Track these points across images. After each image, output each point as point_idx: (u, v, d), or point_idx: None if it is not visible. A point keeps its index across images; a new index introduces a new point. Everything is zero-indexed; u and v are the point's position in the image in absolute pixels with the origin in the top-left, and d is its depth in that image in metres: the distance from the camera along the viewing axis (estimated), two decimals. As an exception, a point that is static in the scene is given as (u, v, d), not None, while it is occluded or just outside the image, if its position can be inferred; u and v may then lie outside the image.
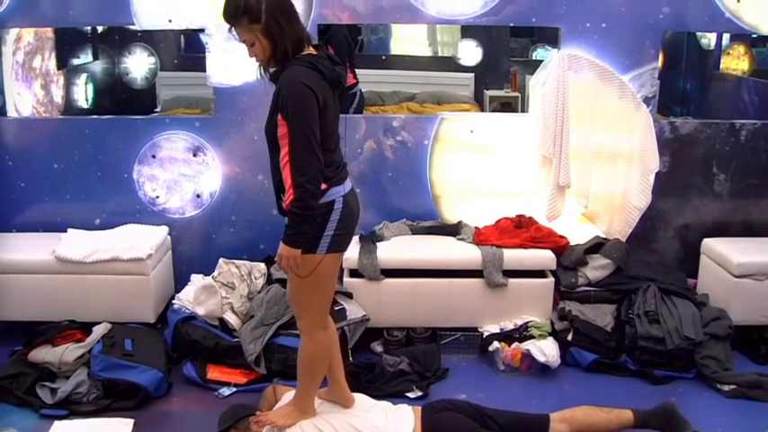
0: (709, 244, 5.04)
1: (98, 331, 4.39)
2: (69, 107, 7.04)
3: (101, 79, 8.03)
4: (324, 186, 3.27)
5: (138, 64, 8.38)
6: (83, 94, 7.49)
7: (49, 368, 4.23)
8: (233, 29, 3.19)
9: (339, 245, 3.41)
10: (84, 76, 7.52)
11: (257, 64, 3.31)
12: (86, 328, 4.47)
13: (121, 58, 8.33)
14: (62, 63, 6.85)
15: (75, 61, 7.40)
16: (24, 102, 5.94)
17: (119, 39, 8.28)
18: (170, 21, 4.91)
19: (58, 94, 6.76)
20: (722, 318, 4.57)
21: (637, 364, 4.49)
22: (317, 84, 3.16)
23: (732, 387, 4.31)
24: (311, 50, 3.28)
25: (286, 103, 3.12)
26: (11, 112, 5.54)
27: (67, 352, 4.24)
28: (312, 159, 3.14)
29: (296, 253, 3.23)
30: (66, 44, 7.07)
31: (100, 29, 7.88)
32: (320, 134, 3.19)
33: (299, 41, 3.19)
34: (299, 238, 3.22)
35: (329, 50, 3.39)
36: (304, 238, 3.24)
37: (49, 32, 6.47)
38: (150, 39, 8.28)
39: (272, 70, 3.29)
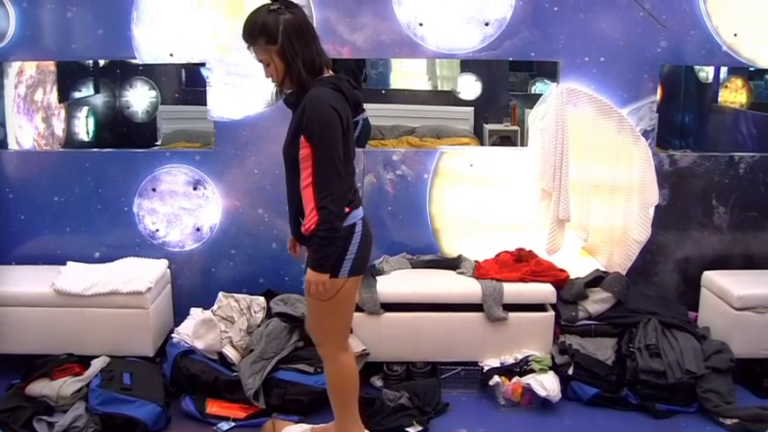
0: (710, 277, 5.03)
1: (96, 365, 4.37)
2: (70, 140, 7.06)
3: (102, 112, 8.07)
4: (347, 210, 3.31)
5: (139, 97, 8.42)
6: (84, 127, 7.52)
7: (47, 402, 4.20)
8: (251, 48, 3.25)
9: (359, 268, 3.44)
10: (85, 110, 7.56)
11: (273, 85, 3.35)
12: (85, 361, 4.45)
13: (123, 91, 8.37)
14: (64, 96, 6.88)
15: (77, 94, 7.44)
16: (25, 134, 5.97)
17: (120, 72, 8.32)
18: (171, 55, 4.95)
19: (59, 127, 6.79)
20: (723, 351, 4.55)
21: (638, 398, 4.46)
22: (340, 105, 3.20)
23: (734, 421, 4.27)
24: (331, 74, 3.33)
25: (311, 124, 3.14)
26: (12, 145, 5.56)
27: (65, 386, 4.22)
28: (336, 181, 3.16)
29: (324, 278, 3.25)
30: (68, 77, 7.11)
31: (101, 63, 7.93)
32: (345, 156, 3.24)
33: (313, 65, 3.24)
34: (326, 261, 3.24)
35: (344, 75, 3.41)
36: (330, 261, 3.25)
37: (51, 66, 6.50)
38: (151, 72, 8.33)
39: (287, 91, 3.33)
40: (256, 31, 3.18)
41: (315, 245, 3.22)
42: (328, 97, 3.18)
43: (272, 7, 3.20)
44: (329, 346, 3.54)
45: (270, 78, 3.32)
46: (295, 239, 3.58)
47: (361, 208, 3.45)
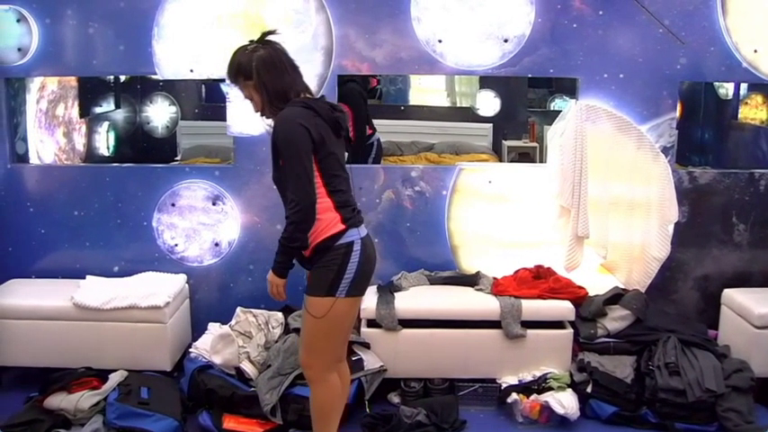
0: (730, 294, 4.98)
1: (114, 379, 4.40)
2: (91, 155, 7.12)
3: (122, 128, 8.13)
4: (342, 227, 3.38)
5: (160, 113, 8.48)
6: (104, 142, 7.58)
7: (65, 415, 4.23)
8: (236, 87, 3.49)
9: (357, 289, 3.45)
10: (105, 125, 7.62)
11: (260, 117, 3.55)
12: (103, 375, 4.47)
13: (143, 106, 8.43)
14: (85, 111, 6.94)
15: (98, 110, 7.50)
16: (47, 149, 6.01)
17: (141, 88, 8.40)
18: (191, 71, 4.98)
19: (80, 142, 6.84)
20: (744, 369, 4.51)
21: (657, 417, 4.42)
22: (309, 120, 3.31)
23: (755, 441, 4.24)
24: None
25: (279, 141, 3.31)
26: (33, 159, 5.60)
27: (83, 399, 4.24)
28: (301, 192, 3.27)
29: (279, 281, 3.44)
30: (89, 93, 7.18)
31: (122, 78, 7.99)
32: (327, 172, 3.36)
33: (285, 94, 3.39)
34: (283, 266, 3.42)
35: (326, 100, 3.58)
36: (288, 268, 3.43)
37: (72, 81, 6.57)
38: (172, 88, 8.39)
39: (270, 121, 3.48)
40: (234, 72, 3.42)
41: (278, 248, 3.40)
42: (293, 114, 3.32)
43: (248, 48, 3.42)
44: (319, 368, 3.54)
45: (258, 113, 3.51)
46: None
47: (360, 228, 3.47)
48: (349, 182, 3.52)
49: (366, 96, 6.51)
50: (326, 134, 3.36)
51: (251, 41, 3.46)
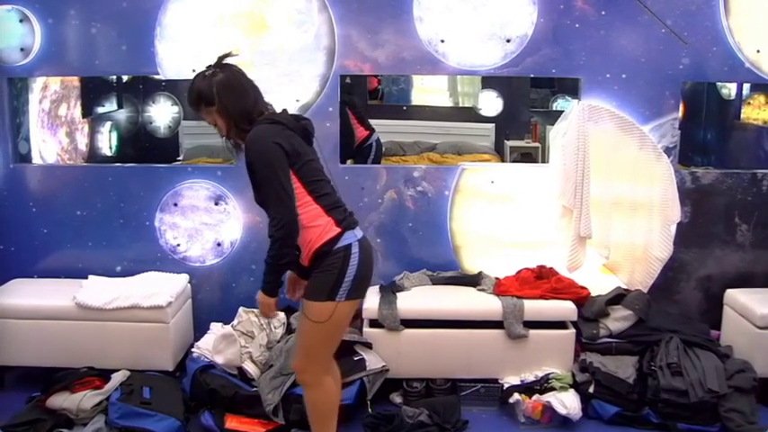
0: (733, 295, 4.98)
1: (116, 378, 4.40)
2: (93, 155, 7.11)
3: (125, 128, 8.12)
4: (338, 230, 3.38)
5: (162, 113, 8.46)
6: (107, 142, 7.57)
7: (67, 415, 4.23)
8: (200, 114, 3.48)
9: (357, 292, 3.45)
10: (108, 125, 7.61)
11: (226, 140, 3.55)
12: (105, 375, 4.48)
13: (145, 107, 8.41)
14: (87, 111, 6.93)
15: (100, 110, 7.49)
16: (49, 149, 6.01)
17: (143, 88, 8.38)
18: (194, 71, 4.95)
19: (82, 142, 6.84)
20: (746, 370, 4.51)
21: (660, 417, 4.42)
22: (280, 134, 3.33)
23: (757, 441, 4.23)
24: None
25: (252, 163, 3.31)
26: (36, 159, 5.60)
27: (85, 399, 4.24)
28: (282, 209, 3.27)
29: (270, 301, 3.40)
30: (92, 93, 7.17)
31: (125, 78, 7.98)
32: (307, 179, 3.37)
33: (248, 115, 3.40)
34: (273, 286, 3.39)
35: (288, 113, 3.56)
36: (278, 286, 3.39)
37: (75, 81, 6.56)
38: (174, 88, 8.36)
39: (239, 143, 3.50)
40: (195, 99, 3.43)
41: (265, 268, 3.36)
42: (261, 132, 3.33)
43: (206, 73, 3.45)
44: (315, 371, 3.53)
45: (223, 137, 3.52)
46: (295, 276, 3.66)
47: (356, 230, 3.47)
48: (332, 185, 3.53)
49: (357, 102, 6.52)
50: (299, 144, 3.39)
51: (208, 66, 3.48)
